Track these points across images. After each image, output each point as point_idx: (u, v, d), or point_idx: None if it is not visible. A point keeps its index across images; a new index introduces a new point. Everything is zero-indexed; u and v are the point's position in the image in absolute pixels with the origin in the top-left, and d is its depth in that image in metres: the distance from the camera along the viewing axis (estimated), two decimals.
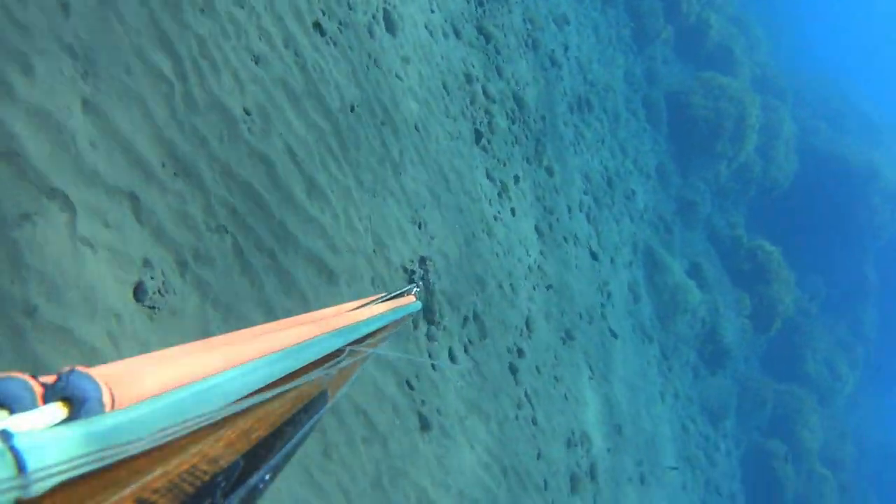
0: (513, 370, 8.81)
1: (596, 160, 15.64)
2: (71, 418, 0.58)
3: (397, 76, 7.47)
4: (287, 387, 0.93)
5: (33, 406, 0.56)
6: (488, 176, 9.37)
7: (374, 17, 7.21)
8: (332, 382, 1.15)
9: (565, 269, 11.73)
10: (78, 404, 0.58)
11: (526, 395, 9.08)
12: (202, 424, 0.71)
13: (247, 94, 5.06)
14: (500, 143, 9.95)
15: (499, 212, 9.46)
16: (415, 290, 2.21)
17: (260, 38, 5.36)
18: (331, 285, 5.71)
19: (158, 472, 0.63)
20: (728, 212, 25.59)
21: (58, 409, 0.57)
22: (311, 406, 1.01)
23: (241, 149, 4.91)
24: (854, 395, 30.79)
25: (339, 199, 5.99)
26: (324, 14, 6.30)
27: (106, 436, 0.57)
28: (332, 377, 1.14)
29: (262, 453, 0.82)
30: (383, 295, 1.90)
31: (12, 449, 0.48)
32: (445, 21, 9.08)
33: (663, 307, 18.39)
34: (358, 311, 1.54)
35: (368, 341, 1.45)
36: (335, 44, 6.40)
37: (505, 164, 10.03)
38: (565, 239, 12.16)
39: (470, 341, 7.90)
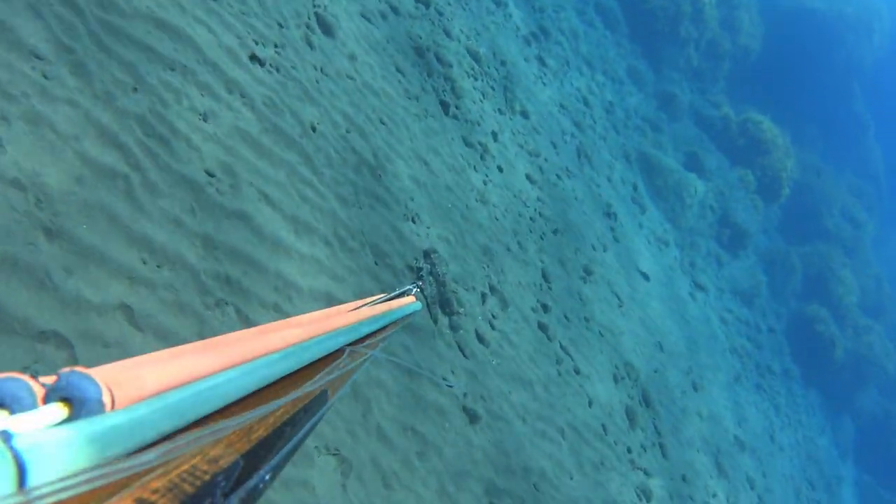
0: (543, 328, 8.75)
1: (566, 85, 15.35)
2: (71, 418, 0.57)
3: (349, 77, 7.26)
4: (290, 396, 0.93)
5: (33, 406, 0.56)
6: (466, 143, 9.19)
7: (307, 26, 6.98)
8: (333, 382, 1.12)
9: (566, 206, 11.59)
10: (78, 405, 0.58)
11: (562, 347, 9.03)
12: (206, 440, 0.70)
13: (205, 156, 4.90)
14: (468, 105, 9.73)
15: (486, 175, 9.29)
16: (414, 290, 2.21)
17: (202, 94, 5.17)
18: None
19: (159, 472, 0.62)
20: (709, 93, 25.22)
21: (58, 410, 0.57)
22: (311, 406, 1.00)
23: (216, 214, 4.77)
24: (878, 236, 30.68)
25: (326, 226, 5.86)
26: (257, 43, 6.08)
27: (106, 436, 0.58)
28: (332, 377, 1.11)
29: (262, 453, 0.81)
30: (383, 295, 1.89)
31: (12, 450, 0.48)
32: (380, 2, 8.81)
33: (670, 208, 18.26)
34: (358, 311, 1.52)
35: (369, 342, 1.44)
36: (277, 69, 6.20)
37: (479, 124, 9.82)
38: (558, 176, 11.99)
39: (493, 315, 7.82)
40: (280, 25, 6.53)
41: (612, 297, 11.65)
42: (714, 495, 11.77)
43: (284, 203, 5.47)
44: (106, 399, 0.61)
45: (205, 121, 5.09)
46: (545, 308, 9.03)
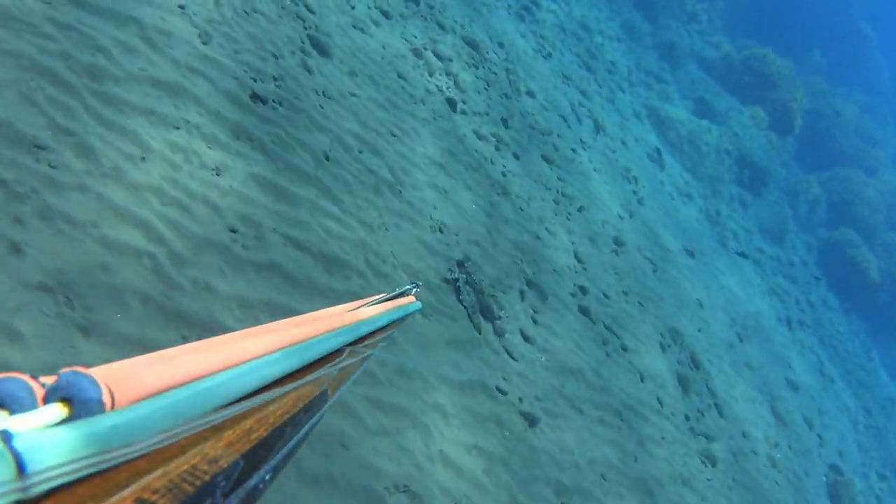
0: (584, 311, 8.57)
1: (566, 54, 15.05)
2: (71, 418, 0.57)
3: (352, 94, 7.07)
4: (288, 387, 0.93)
5: (33, 406, 0.56)
6: (478, 136, 8.98)
7: (302, 51, 6.78)
8: (333, 382, 1.13)
9: (586, 180, 11.36)
10: (78, 404, 0.58)
11: (606, 327, 8.85)
12: (203, 427, 0.70)
13: (225, 213, 4.76)
14: (474, 98, 9.51)
15: (504, 165, 9.09)
16: (415, 290, 2.15)
17: (209, 147, 5.02)
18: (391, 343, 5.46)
19: (159, 472, 0.62)
20: (707, 35, 24.74)
21: (58, 410, 0.57)
22: (311, 406, 0.99)
23: (246, 270, 4.63)
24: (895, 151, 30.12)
25: (356, 257, 5.70)
26: (255, 80, 5.91)
27: (106, 436, 0.57)
28: (332, 377, 1.13)
29: (263, 453, 0.80)
30: (383, 295, 1.85)
31: (12, 450, 0.48)
32: (370, 9, 8.58)
33: (688, 159, 17.97)
34: (358, 311, 1.51)
35: (369, 341, 1.45)
36: (280, 103, 6.02)
37: (488, 114, 9.60)
38: (573, 150, 11.75)
39: (535, 311, 7.66)
40: (275, 56, 6.34)
41: (647, 265, 11.44)
42: (776, 445, 11.61)
43: (312, 242, 5.32)
44: (106, 399, 0.60)
45: (218, 175, 4.94)
46: (583, 290, 8.85)
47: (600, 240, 10.37)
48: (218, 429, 0.76)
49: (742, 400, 11.52)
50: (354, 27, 7.96)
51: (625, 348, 8.94)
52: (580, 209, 10.35)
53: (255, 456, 0.78)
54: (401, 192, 6.79)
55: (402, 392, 5.31)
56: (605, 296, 9.41)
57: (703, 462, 9.00)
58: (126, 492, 0.57)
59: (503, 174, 8.92)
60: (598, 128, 13.83)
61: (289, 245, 5.12)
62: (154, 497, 0.59)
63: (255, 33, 6.30)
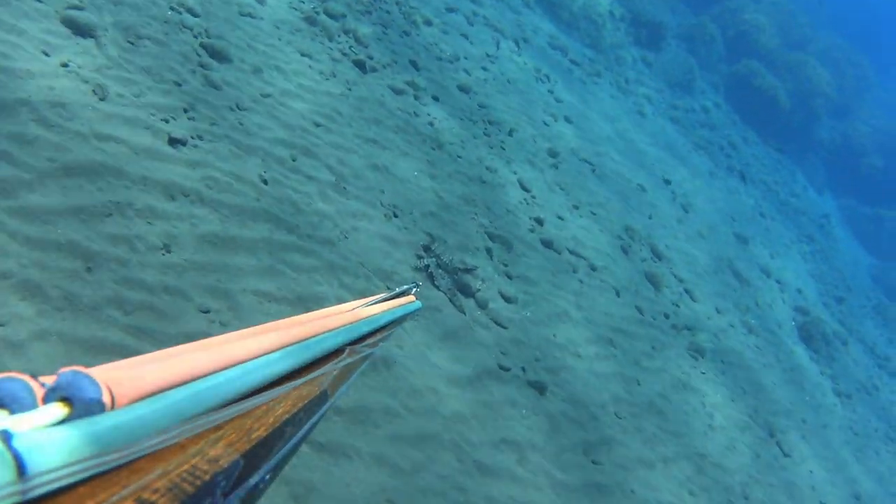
0: (547, 244, 8.42)
1: None
2: (71, 418, 0.56)
3: (265, 96, 6.54)
4: (288, 386, 0.94)
5: (33, 406, 0.56)
6: (396, 91, 8.51)
7: (201, 65, 6.18)
8: (332, 382, 1.12)
9: (505, 97, 11.01)
10: (78, 404, 0.57)
11: (571, 252, 8.75)
12: (202, 428, 0.71)
13: (191, 294, 4.35)
14: (378, 49, 8.97)
15: (429, 114, 8.68)
16: (415, 290, 2.15)
17: (149, 223, 4.55)
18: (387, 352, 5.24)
19: (159, 471, 0.61)
20: None
21: (58, 409, 0.56)
22: (311, 406, 0.99)
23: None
24: None
25: (330, 284, 5.37)
26: (167, 121, 5.36)
27: (106, 436, 0.57)
28: (332, 377, 1.12)
29: (263, 453, 0.80)
30: (383, 295, 1.84)
31: (12, 450, 0.47)
32: None
33: (586, 35, 17.68)
34: (358, 310, 1.50)
35: (369, 341, 1.43)
36: (200, 136, 5.50)
37: (395, 62, 9.10)
38: (484, 69, 11.34)
39: (505, 265, 7.47)
40: (178, 84, 5.76)
41: (584, 166, 11.30)
42: (747, 309, 11.93)
43: (284, 290, 4.96)
44: (106, 398, 0.60)
45: (169, 252, 4.49)
46: (539, 221, 8.68)
47: (537, 159, 10.13)
48: (218, 428, 0.75)
49: (705, 274, 11.71)
50: (242, 14, 7.30)
51: (594, 268, 8.87)
52: (510, 133, 10.05)
53: (255, 455, 0.78)
54: (345, 188, 6.39)
55: (419, 415, 5.11)
56: (560, 218, 9.26)
57: (693, 357, 9.15)
58: (126, 491, 0.57)
59: (431, 125, 8.52)
60: (497, 32, 13.37)
61: (265, 300, 4.76)
62: (154, 497, 0.59)
63: (150, 65, 5.69)
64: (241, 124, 5.98)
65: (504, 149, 9.51)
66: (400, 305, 1.83)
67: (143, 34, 5.92)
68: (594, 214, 10.10)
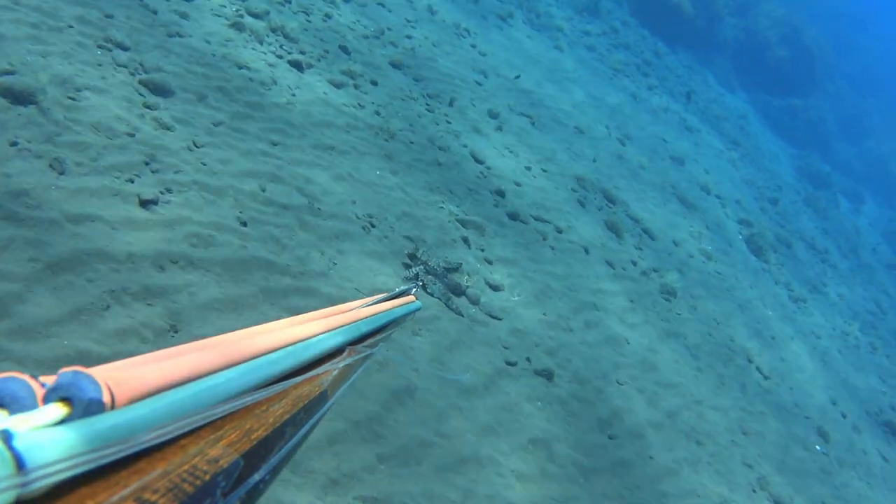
0: (513, 217, 8.38)
1: None
2: (71, 418, 0.57)
3: (216, 124, 6.22)
4: (287, 384, 0.94)
5: (33, 406, 0.57)
6: (336, 84, 8.22)
7: (145, 105, 5.82)
8: (332, 382, 1.13)
9: (434, 64, 10.77)
10: (78, 404, 0.58)
11: (536, 219, 8.73)
12: (199, 423, 0.71)
13: None
14: (308, 41, 8.61)
15: (373, 103, 8.41)
16: (414, 290, 2.15)
17: (149, 304, 4.31)
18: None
19: (159, 472, 0.62)
20: None
21: (58, 409, 0.57)
22: (311, 406, 1.00)
23: None
24: None
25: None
26: (132, 181, 5.05)
27: (106, 435, 0.58)
28: (332, 377, 1.12)
29: (262, 453, 0.81)
30: (383, 295, 1.86)
31: (12, 449, 0.48)
32: (170, 9, 7.41)
33: None
34: (358, 310, 1.50)
35: (369, 341, 1.43)
36: (168, 190, 5.20)
37: (327, 51, 8.76)
38: (408, 38, 11.04)
39: (482, 249, 7.40)
40: (129, 135, 5.41)
41: (522, 120, 11.21)
42: (700, 234, 12.19)
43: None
44: (106, 398, 0.60)
45: (177, 332, 4.29)
46: (500, 193, 8.60)
47: (481, 124, 10.00)
48: (217, 428, 0.75)
49: (656, 207, 11.88)
50: (170, 36, 6.88)
51: (559, 230, 8.89)
52: (450, 103, 9.87)
53: (255, 456, 0.78)
54: (319, 209, 6.18)
55: (452, 439, 5.08)
56: (517, 184, 9.21)
57: (666, 300, 9.33)
58: (126, 492, 0.57)
59: (377, 113, 8.29)
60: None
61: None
62: (154, 497, 0.59)
63: (96, 120, 5.32)
64: (203, 164, 5.68)
65: (450, 122, 9.34)
66: (400, 305, 1.82)
67: (80, 85, 5.52)
68: (545, 172, 10.08)
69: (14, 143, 4.70)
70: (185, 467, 0.66)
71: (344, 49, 9.03)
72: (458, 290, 6.51)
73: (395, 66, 9.70)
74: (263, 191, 5.91)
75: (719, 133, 19.70)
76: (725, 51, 25.92)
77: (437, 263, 6.48)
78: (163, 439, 0.64)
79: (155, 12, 7.00)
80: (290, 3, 9.07)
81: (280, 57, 7.83)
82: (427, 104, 9.34)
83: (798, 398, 9.83)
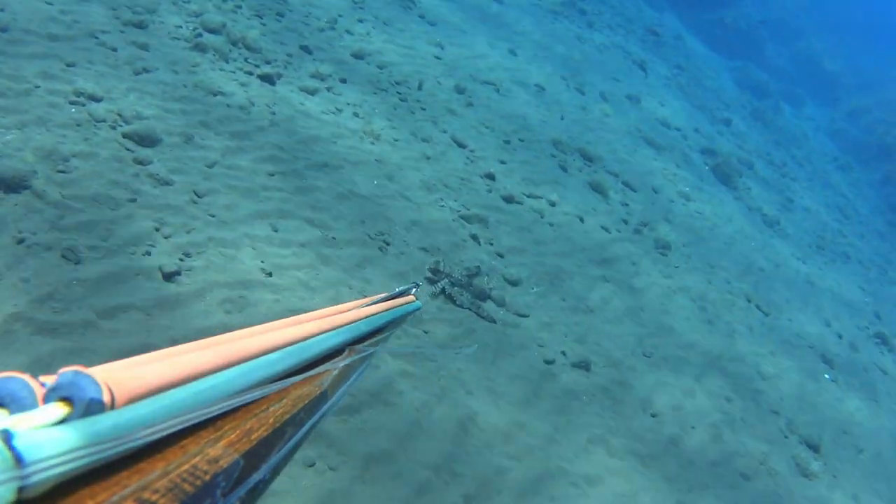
0: (509, 200, 8.22)
1: None
2: (71, 418, 0.57)
3: (209, 166, 5.89)
4: (286, 382, 0.94)
5: (33, 406, 0.57)
6: (309, 91, 7.86)
7: (136, 161, 5.46)
8: (332, 383, 1.14)
9: (367, 43, 10.41)
10: (78, 404, 0.58)
11: (530, 196, 8.58)
12: (199, 420, 0.72)
13: None
14: (272, 48, 8.18)
15: (348, 104, 8.09)
16: (414, 290, 2.11)
17: None
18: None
19: (159, 472, 0.63)
20: None
21: (58, 409, 0.57)
22: (311, 406, 1.00)
23: None
24: None
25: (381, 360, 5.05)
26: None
27: (106, 435, 0.58)
28: (332, 377, 1.13)
29: (263, 453, 0.82)
30: (384, 295, 1.85)
31: (12, 449, 0.48)
32: (131, 46, 6.94)
33: None
34: (358, 310, 1.50)
35: (369, 341, 1.44)
36: (189, 255, 4.92)
37: (290, 56, 8.36)
38: (339, 18, 10.63)
39: (490, 243, 7.25)
40: (132, 200, 5.07)
41: (489, 90, 10.95)
42: (673, 175, 12.18)
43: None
44: (106, 398, 0.60)
45: None
46: (491, 177, 8.42)
47: (453, 103, 9.73)
48: (217, 428, 0.75)
49: (629, 155, 11.81)
50: (136, 74, 6.44)
51: (553, 204, 8.76)
52: (419, 87, 9.55)
53: (256, 456, 0.78)
54: (334, 238, 5.93)
55: (522, 459, 5.00)
56: (502, 162, 9.02)
57: (662, 254, 9.33)
58: (126, 492, 0.57)
59: (356, 115, 7.97)
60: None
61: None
62: (154, 497, 0.59)
63: (95, 191, 4.96)
64: (211, 216, 5.38)
65: (424, 108, 9.06)
66: (400, 305, 1.81)
67: (66, 153, 5.13)
68: (522, 142, 9.89)
69: (21, 241, 4.35)
70: (186, 467, 0.65)
71: (305, 49, 8.63)
72: (484, 295, 6.38)
73: (357, 56, 9.33)
74: (276, 231, 5.64)
75: (663, 59, 19.63)
76: None
77: (461, 273, 6.31)
78: (160, 435, 0.64)
79: (115, 49, 6.54)
80: (241, 9, 8.59)
81: (249, 73, 7.43)
82: (398, 93, 9.03)
83: (797, 328, 10.00)
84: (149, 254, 4.76)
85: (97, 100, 5.82)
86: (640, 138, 12.87)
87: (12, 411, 0.55)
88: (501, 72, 11.85)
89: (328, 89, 8.10)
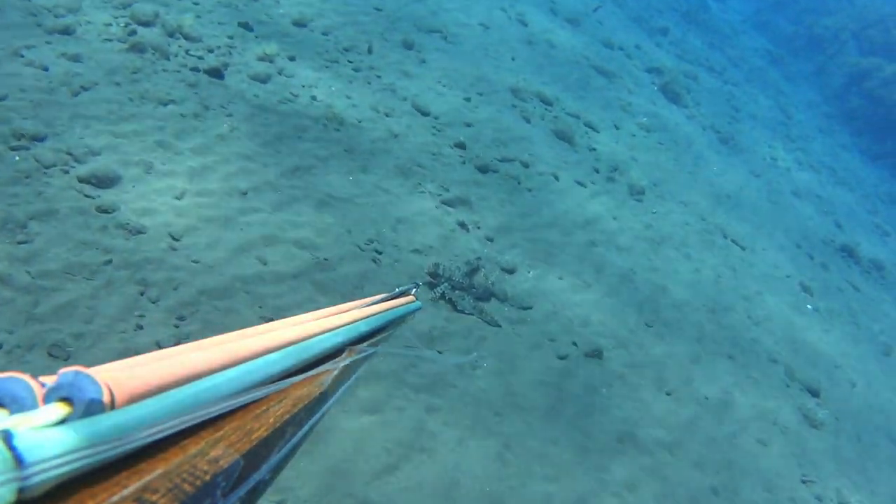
0: (483, 170, 7.82)
1: None
2: (71, 418, 0.58)
3: (178, 198, 5.33)
4: (287, 382, 0.94)
5: (34, 406, 0.57)
6: (261, 80, 7.20)
7: (92, 202, 4.88)
8: (332, 382, 1.12)
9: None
10: (78, 404, 0.58)
11: (500, 160, 8.19)
12: (199, 420, 0.72)
13: None
14: (211, 33, 7.44)
15: (303, 86, 7.47)
16: (414, 290, 2.09)
17: None
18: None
19: (159, 472, 0.63)
20: None
21: (58, 409, 0.57)
22: (311, 406, 0.99)
23: None
24: None
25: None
26: (143, 325, 4.26)
27: (106, 435, 0.59)
28: (332, 377, 1.12)
29: (263, 453, 0.81)
30: (383, 295, 1.81)
31: (12, 449, 0.49)
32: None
33: None
34: (358, 310, 1.49)
35: (369, 341, 1.42)
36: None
37: (231, 38, 7.63)
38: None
39: (478, 226, 6.89)
40: (107, 262, 4.52)
41: (436, 41, 10.34)
42: (628, 105, 11.88)
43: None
44: (106, 398, 0.60)
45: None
46: (461, 146, 7.98)
47: (405, 61, 9.13)
48: (217, 428, 0.74)
49: (583, 90, 11.43)
50: (76, 95, 5.73)
51: (526, 165, 8.39)
52: (369, 50, 8.92)
53: (256, 456, 0.78)
54: (327, 260, 5.49)
55: (568, 487, 4.80)
56: (468, 125, 8.56)
57: (638, 200, 9.12)
58: (126, 492, 0.57)
59: (314, 98, 7.37)
60: None
61: None
62: (154, 497, 0.59)
63: (57, 252, 4.40)
64: (195, 262, 4.87)
65: (380, 76, 8.48)
66: (400, 305, 1.78)
67: (23, 219, 4.53)
68: (481, 95, 9.42)
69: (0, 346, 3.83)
70: (186, 467, 0.65)
71: (245, 26, 7.89)
72: (487, 293, 6.07)
73: (299, 24, 8.61)
74: (265, 264, 5.17)
75: (669, 55, 19.07)
76: None
77: (460, 275, 5.98)
78: (161, 435, 0.64)
79: (46, 69, 5.80)
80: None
81: (195, 69, 6.74)
82: (350, 61, 8.41)
83: (773, 258, 9.99)
84: (141, 327, 4.28)
85: (40, 139, 5.15)
86: (590, 67, 12.47)
87: (12, 411, 0.55)
88: (443, 15, 11.20)
89: (280, 73, 7.44)
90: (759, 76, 19.30)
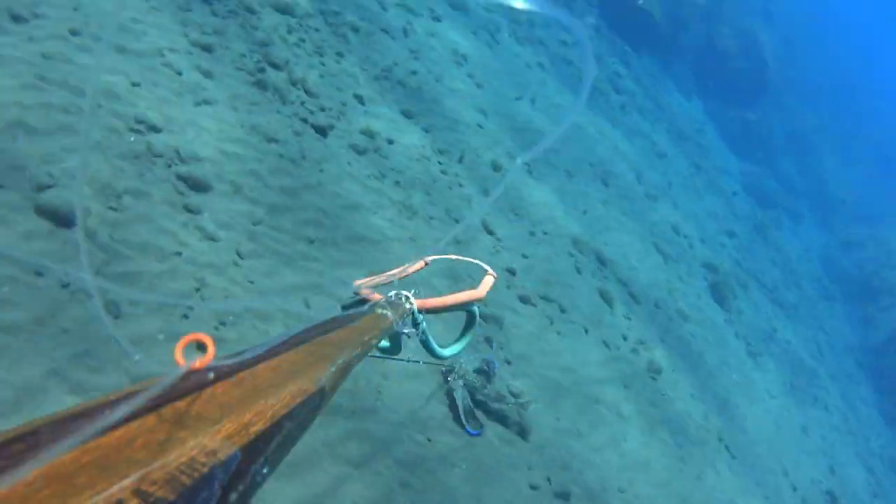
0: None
1: None
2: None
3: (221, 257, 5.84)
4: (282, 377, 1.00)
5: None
6: (358, 151, 7.84)
7: (186, 208, 5.41)
8: (331, 379, 1.18)
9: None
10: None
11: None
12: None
13: None
14: (327, 90, 8.17)
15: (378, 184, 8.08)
16: (414, 292, 2.19)
17: None
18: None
19: (158, 463, 0.64)
20: None
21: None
22: (309, 401, 1.04)
23: None
24: None
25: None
26: (189, 316, 4.70)
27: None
28: (329, 373, 1.17)
29: (261, 446, 0.83)
30: (383, 298, 1.95)
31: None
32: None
33: None
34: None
35: (367, 341, 1.51)
36: (219, 342, 4.88)
37: (344, 105, 8.34)
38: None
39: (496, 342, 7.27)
40: (177, 254, 5.01)
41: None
42: (674, 289, 12.29)
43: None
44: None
45: None
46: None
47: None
48: (216, 421, 0.78)
49: (638, 262, 11.89)
50: (197, 105, 6.38)
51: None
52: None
53: (253, 449, 0.80)
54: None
55: None
56: (524, 256, 9.04)
57: (653, 379, 9.41)
58: (125, 482, 0.58)
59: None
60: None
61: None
62: (153, 488, 0.60)
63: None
64: (251, 283, 5.33)
65: (462, 184, 9.07)
66: (398, 310, 1.90)
67: (120, 190, 5.07)
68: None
69: (66, 285, 4.29)
70: (184, 459, 0.66)
71: (359, 99, 8.61)
72: (505, 420, 6.39)
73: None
74: (308, 307, 5.61)
75: (685, 155, 19.85)
76: (687, 55, 25.95)
77: (473, 379, 6.32)
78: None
79: (180, 73, 6.48)
80: (304, 42, 8.56)
81: (304, 120, 7.39)
82: (440, 155, 9.04)
83: (772, 478, 10.10)
84: (186, 317, 4.71)
85: (157, 130, 5.76)
86: (653, 244, 12.98)
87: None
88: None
89: (376, 150, 8.08)
90: (807, 305, 19.64)
